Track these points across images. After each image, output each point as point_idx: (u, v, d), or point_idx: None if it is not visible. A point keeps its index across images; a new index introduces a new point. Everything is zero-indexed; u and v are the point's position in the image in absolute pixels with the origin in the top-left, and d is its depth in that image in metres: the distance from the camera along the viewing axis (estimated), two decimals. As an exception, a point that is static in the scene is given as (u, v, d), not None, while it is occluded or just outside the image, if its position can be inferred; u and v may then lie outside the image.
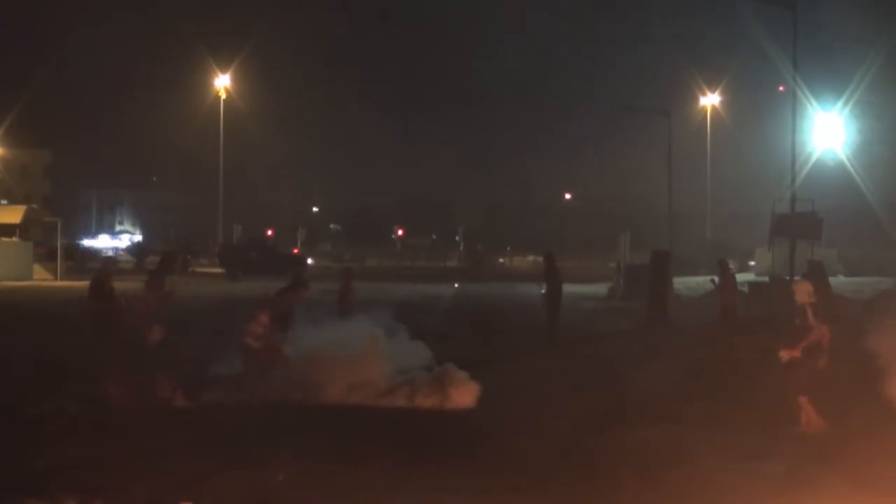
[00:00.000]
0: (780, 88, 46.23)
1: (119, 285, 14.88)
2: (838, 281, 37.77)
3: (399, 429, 11.32)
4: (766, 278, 33.52)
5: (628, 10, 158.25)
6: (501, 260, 76.73)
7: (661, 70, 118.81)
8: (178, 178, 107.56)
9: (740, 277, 30.45)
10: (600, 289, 36.31)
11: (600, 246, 68.12)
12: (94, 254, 59.77)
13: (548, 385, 14.27)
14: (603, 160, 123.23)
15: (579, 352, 18.56)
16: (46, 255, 48.85)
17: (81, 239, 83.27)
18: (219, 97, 63.92)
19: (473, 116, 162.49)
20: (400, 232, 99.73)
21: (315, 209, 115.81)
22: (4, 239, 45.27)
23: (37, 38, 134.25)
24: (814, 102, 39.71)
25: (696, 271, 41.60)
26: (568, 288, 21.16)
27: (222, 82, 64.35)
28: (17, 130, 73.29)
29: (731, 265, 24.96)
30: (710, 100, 67.16)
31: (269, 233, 77.13)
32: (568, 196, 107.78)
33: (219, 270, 49.14)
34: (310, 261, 58.50)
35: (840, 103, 44.17)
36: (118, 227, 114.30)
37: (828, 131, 46.21)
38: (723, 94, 67.57)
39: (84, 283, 13.90)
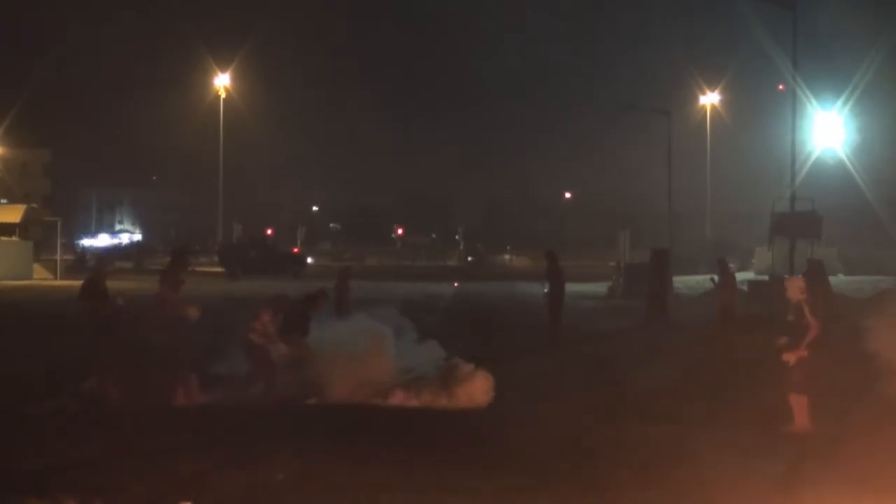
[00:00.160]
0: (780, 87, 46.31)
1: (118, 285, 14.88)
2: (838, 280, 37.74)
3: (399, 428, 11.31)
4: (765, 277, 33.51)
5: (628, 10, 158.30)
6: (508, 256, 76.64)
7: (661, 70, 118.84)
8: (178, 178, 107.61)
9: (740, 276, 30.48)
10: (600, 287, 36.32)
11: (600, 245, 68.11)
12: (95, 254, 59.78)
13: (548, 384, 14.27)
14: (603, 160, 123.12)
15: (579, 351, 18.56)
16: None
17: (81, 238, 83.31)
18: (218, 97, 63.95)
19: (473, 116, 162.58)
20: (400, 231, 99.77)
21: (315, 208, 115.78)
22: (4, 238, 45.22)
23: (37, 37, 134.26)
24: (813, 101, 39.70)
25: (695, 270, 41.63)
26: (568, 287, 21.14)
27: (222, 81, 64.37)
28: (17, 129, 73.36)
29: (732, 264, 24.99)
30: (710, 99, 67.15)
31: (269, 232, 77.14)
32: (568, 195, 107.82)
33: (218, 269, 49.15)
34: (309, 260, 58.52)
35: (840, 102, 44.18)
36: (118, 227, 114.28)
37: (827, 130, 46.19)
38: (722, 93, 67.60)
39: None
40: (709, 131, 67.10)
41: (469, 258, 75.84)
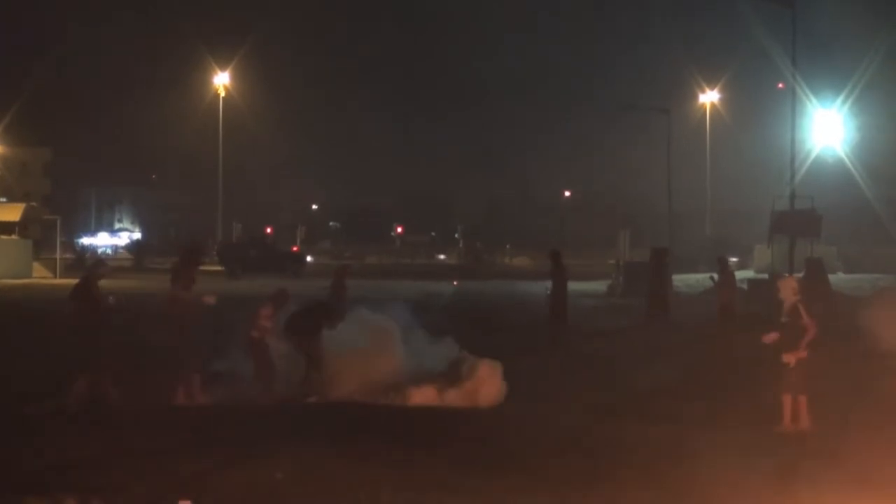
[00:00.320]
0: (780, 86, 46.34)
1: (119, 284, 14.88)
2: (837, 278, 37.78)
3: (399, 427, 11.30)
4: (765, 275, 33.54)
5: (628, 10, 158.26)
6: (510, 258, 76.59)
7: (661, 69, 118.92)
8: (178, 177, 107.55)
9: (740, 275, 30.49)
10: (600, 286, 36.32)
11: (600, 244, 68.14)
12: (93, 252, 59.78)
13: (548, 383, 14.27)
14: (603, 159, 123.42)
15: (579, 350, 18.55)
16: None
17: (80, 237, 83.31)
18: (218, 96, 63.97)
19: (473, 116, 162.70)
20: (399, 229, 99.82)
21: (314, 207, 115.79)
22: (4, 237, 45.26)
23: (37, 37, 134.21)
24: (813, 100, 39.76)
25: (695, 268, 41.67)
26: (568, 285, 21.17)
27: (221, 80, 64.38)
28: (16, 128, 73.39)
29: (733, 259, 25.00)
30: (709, 97, 67.19)
31: (268, 231, 77.17)
32: (567, 193, 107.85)
33: (218, 268, 49.17)
34: (309, 258, 58.55)
35: (839, 100, 44.18)
36: (117, 225, 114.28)
37: (827, 128, 46.19)
38: (722, 91, 67.70)
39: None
40: (708, 130, 67.21)
41: (468, 256, 75.84)
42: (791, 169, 31.74)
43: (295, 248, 62.79)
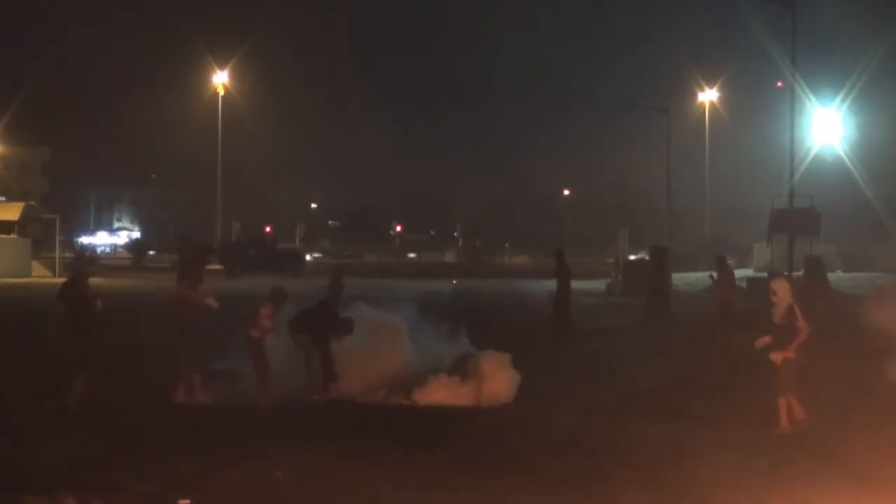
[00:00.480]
0: (779, 84, 46.25)
1: (119, 283, 14.87)
2: (837, 276, 37.78)
3: (399, 427, 11.31)
4: (764, 274, 33.54)
5: (628, 10, 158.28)
6: (509, 257, 76.57)
7: (661, 68, 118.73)
8: (178, 176, 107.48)
9: (739, 273, 30.49)
10: (599, 285, 36.34)
11: (600, 243, 68.16)
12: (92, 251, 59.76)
13: (548, 382, 14.26)
14: (603, 159, 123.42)
15: (579, 349, 18.56)
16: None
17: (80, 236, 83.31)
18: (218, 95, 63.97)
19: (473, 116, 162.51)
20: (398, 228, 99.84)
21: (313, 206, 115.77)
22: (3, 236, 45.28)
23: (37, 36, 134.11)
24: (812, 98, 39.77)
25: (695, 267, 41.68)
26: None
27: (220, 79, 64.39)
28: (15, 128, 73.28)
29: (730, 261, 24.99)
30: (709, 96, 67.19)
31: (268, 230, 77.17)
32: (566, 192, 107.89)
33: (217, 267, 49.17)
34: (308, 257, 58.56)
35: (838, 99, 44.19)
36: (116, 225, 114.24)
37: (826, 127, 46.20)
38: (721, 90, 67.70)
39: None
40: (707, 129, 67.20)
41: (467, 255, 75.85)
42: (790, 167, 31.77)
43: (294, 247, 62.81)
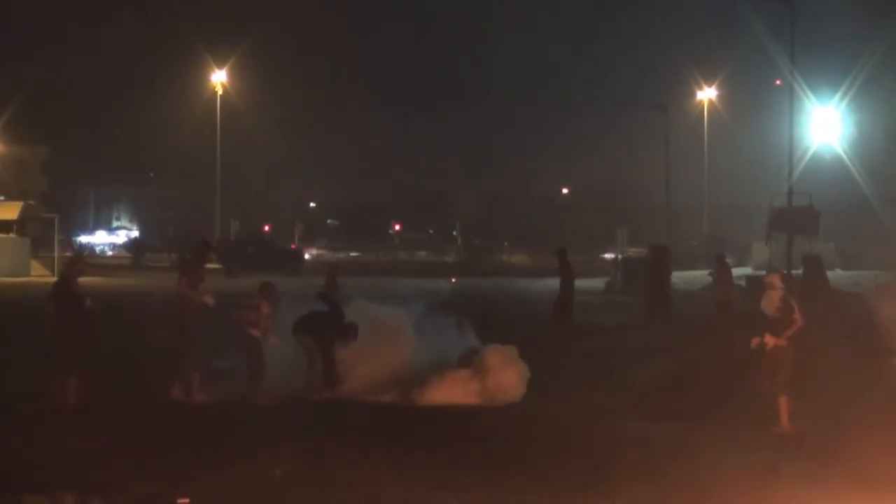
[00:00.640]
0: (777, 82, 46.26)
1: (118, 282, 14.86)
2: (836, 275, 37.77)
3: (399, 426, 11.32)
4: (763, 272, 33.53)
5: (628, 10, 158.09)
6: (508, 256, 76.51)
7: (660, 67, 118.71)
8: (177, 175, 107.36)
9: (738, 271, 30.50)
10: (598, 283, 36.34)
11: (599, 241, 68.13)
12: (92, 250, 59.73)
13: (548, 381, 14.25)
14: (602, 158, 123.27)
15: (579, 348, 18.55)
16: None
17: (78, 235, 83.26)
18: (217, 94, 63.95)
19: (473, 116, 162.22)
20: (397, 227, 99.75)
21: (312, 204, 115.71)
22: (2, 235, 45.21)
23: (36, 36, 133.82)
24: (811, 96, 39.70)
25: (693, 265, 41.68)
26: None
27: (219, 78, 64.39)
28: (14, 127, 73.17)
29: (729, 259, 25.02)
30: (707, 94, 67.18)
31: (267, 228, 77.13)
32: (565, 191, 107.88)
33: (216, 266, 49.14)
34: (307, 255, 58.55)
35: (837, 97, 44.17)
36: (115, 224, 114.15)
37: (825, 125, 46.16)
38: (720, 88, 67.61)
39: (84, 280, 13.86)
40: (706, 127, 67.18)
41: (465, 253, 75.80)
42: (789, 166, 31.75)
43: (293, 246, 62.76)
